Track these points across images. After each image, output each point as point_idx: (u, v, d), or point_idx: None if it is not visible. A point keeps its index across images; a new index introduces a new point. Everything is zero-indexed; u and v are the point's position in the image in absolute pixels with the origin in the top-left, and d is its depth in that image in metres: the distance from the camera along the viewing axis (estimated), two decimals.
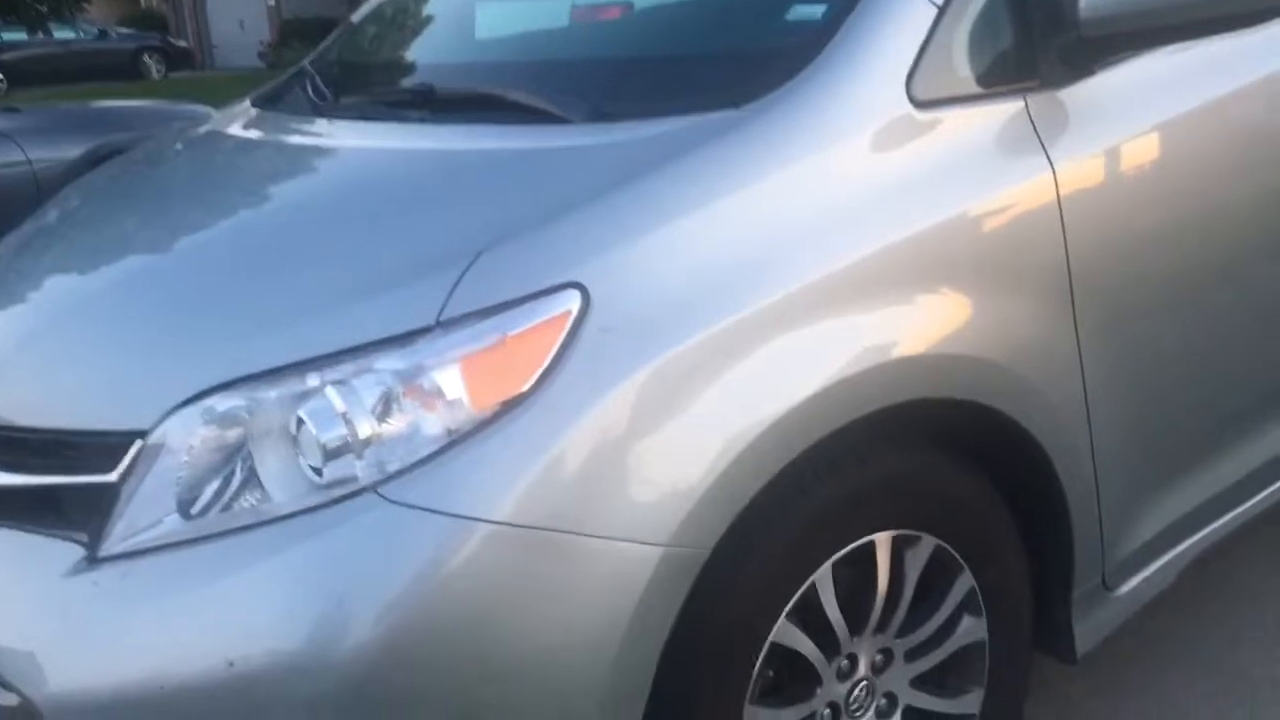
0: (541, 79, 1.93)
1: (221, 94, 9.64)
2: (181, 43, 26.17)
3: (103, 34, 23.77)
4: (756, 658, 1.49)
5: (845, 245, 1.50)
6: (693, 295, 1.41)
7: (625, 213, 1.44)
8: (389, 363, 1.36)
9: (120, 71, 22.44)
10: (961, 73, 1.63)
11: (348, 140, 1.95)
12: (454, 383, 1.34)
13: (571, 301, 1.37)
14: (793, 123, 1.53)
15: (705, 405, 1.39)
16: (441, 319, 1.36)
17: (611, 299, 1.38)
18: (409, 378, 1.35)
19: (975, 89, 1.64)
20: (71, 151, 5.55)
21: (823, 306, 1.47)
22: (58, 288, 1.83)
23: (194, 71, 25.00)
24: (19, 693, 1.36)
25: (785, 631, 1.51)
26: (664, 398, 1.37)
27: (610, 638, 1.34)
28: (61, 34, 22.42)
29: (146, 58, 23.71)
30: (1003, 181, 1.63)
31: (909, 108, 1.58)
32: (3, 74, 21.72)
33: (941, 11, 1.62)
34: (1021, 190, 1.65)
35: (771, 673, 1.54)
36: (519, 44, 2.32)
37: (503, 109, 1.84)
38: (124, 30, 24.96)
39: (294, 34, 23.69)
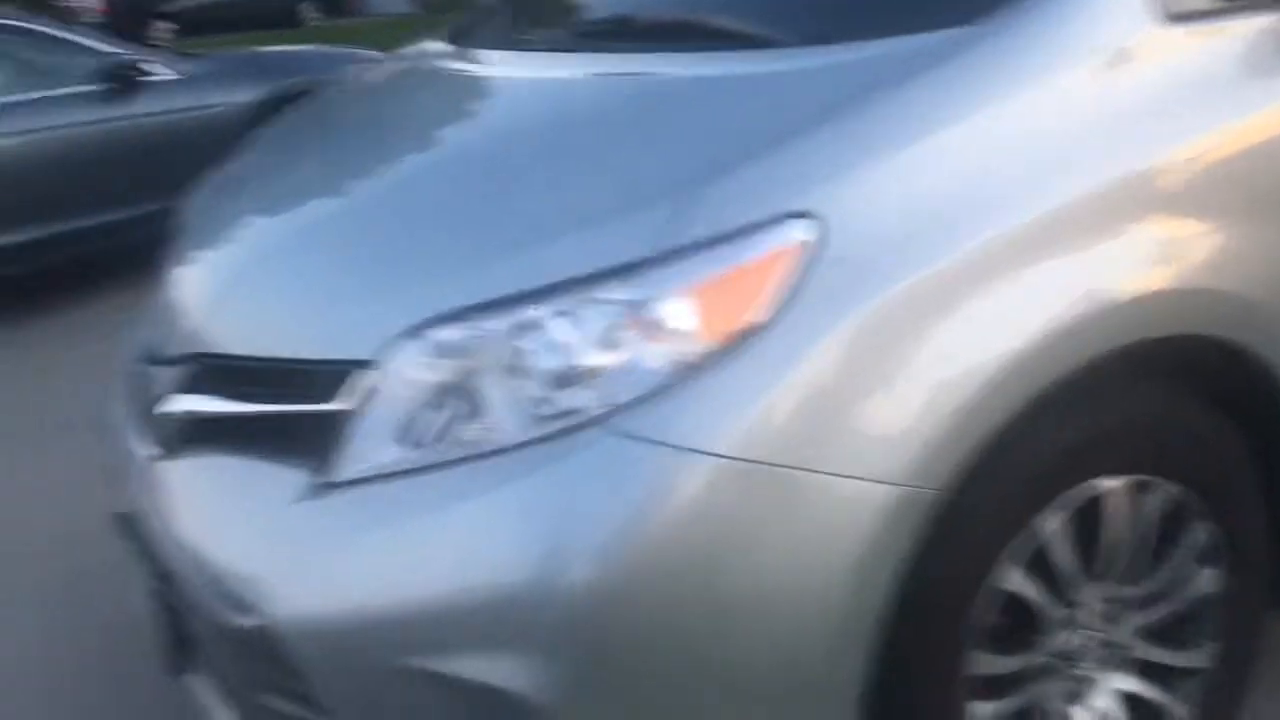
0: (748, 2, 1.87)
1: (379, 38, 9.81)
2: None
3: None
4: (984, 603, 1.43)
5: (1089, 173, 1.41)
6: (926, 225, 1.35)
7: (856, 138, 1.38)
8: (615, 293, 1.33)
9: (280, 19, 23.05)
10: None
11: (551, 71, 1.93)
12: (683, 313, 1.31)
13: (805, 229, 1.32)
14: (1035, 39, 1.44)
15: (941, 340, 1.33)
16: (668, 247, 1.33)
17: (845, 227, 1.32)
18: (636, 308, 1.32)
19: (1231, 1, 1.51)
20: (247, 96, 5.72)
21: (1063, 238, 1.39)
22: (274, 222, 1.86)
23: (349, 18, 25.52)
24: (259, 616, 1.40)
25: (1013, 576, 1.45)
26: (899, 331, 1.31)
27: (840, 578, 1.30)
28: None
29: (303, 5, 24.29)
30: (1260, 100, 1.51)
31: (1159, 22, 1.47)
32: (172, 24, 22.57)
33: None
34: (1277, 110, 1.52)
35: (996, 618, 1.48)
36: None
37: (708, 35, 1.79)
38: None
39: None
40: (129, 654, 2.39)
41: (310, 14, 24.30)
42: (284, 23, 23.05)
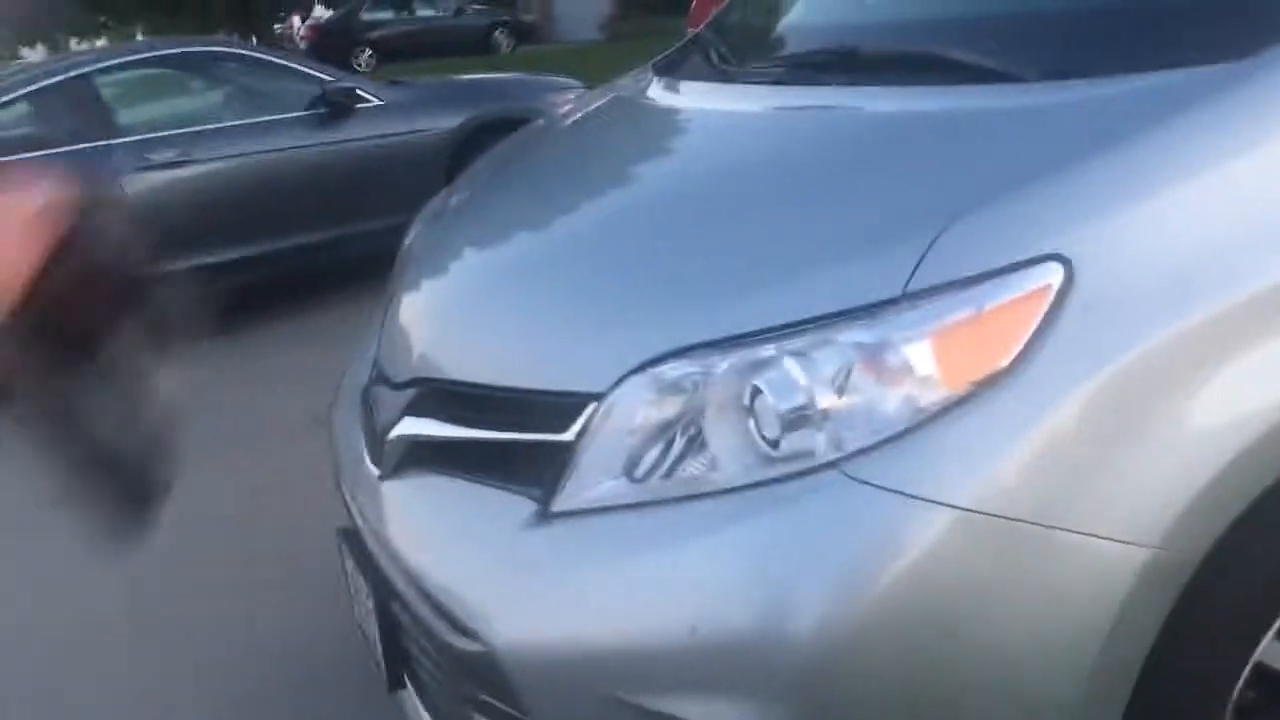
0: (979, 35, 1.81)
1: (569, 65, 10.07)
2: (528, 17, 27.52)
3: (459, 11, 25.39)
4: (1239, 676, 1.33)
5: None
6: (1185, 273, 1.27)
7: (1109, 179, 1.31)
8: (852, 335, 1.30)
9: (474, 47, 23.90)
10: None
11: (772, 104, 1.91)
12: (924, 358, 1.27)
13: (1053, 274, 1.26)
14: None
15: (1200, 397, 1.24)
16: (909, 290, 1.29)
17: (1096, 273, 1.26)
18: (874, 352, 1.29)
19: None
20: (451, 121, 5.93)
21: None
22: (497, 252, 1.91)
23: (539, 45, 26.26)
24: (481, 640, 1.42)
25: (1273, 651, 1.35)
26: (1154, 386, 1.24)
27: (1087, 645, 1.23)
28: (423, 12, 24.20)
29: (497, 33, 25.13)
30: None
31: None
32: (372, 51, 23.68)
33: None
34: None
35: (1252, 694, 1.38)
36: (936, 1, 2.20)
37: (938, 69, 1.74)
38: (478, 7, 26.52)
39: (634, 5, 24.38)
40: (343, 666, 2.47)
41: (504, 40, 25.09)
42: (478, 49, 23.90)
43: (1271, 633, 1.34)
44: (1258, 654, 1.34)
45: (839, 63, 1.94)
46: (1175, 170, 1.31)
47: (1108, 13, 1.70)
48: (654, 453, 1.39)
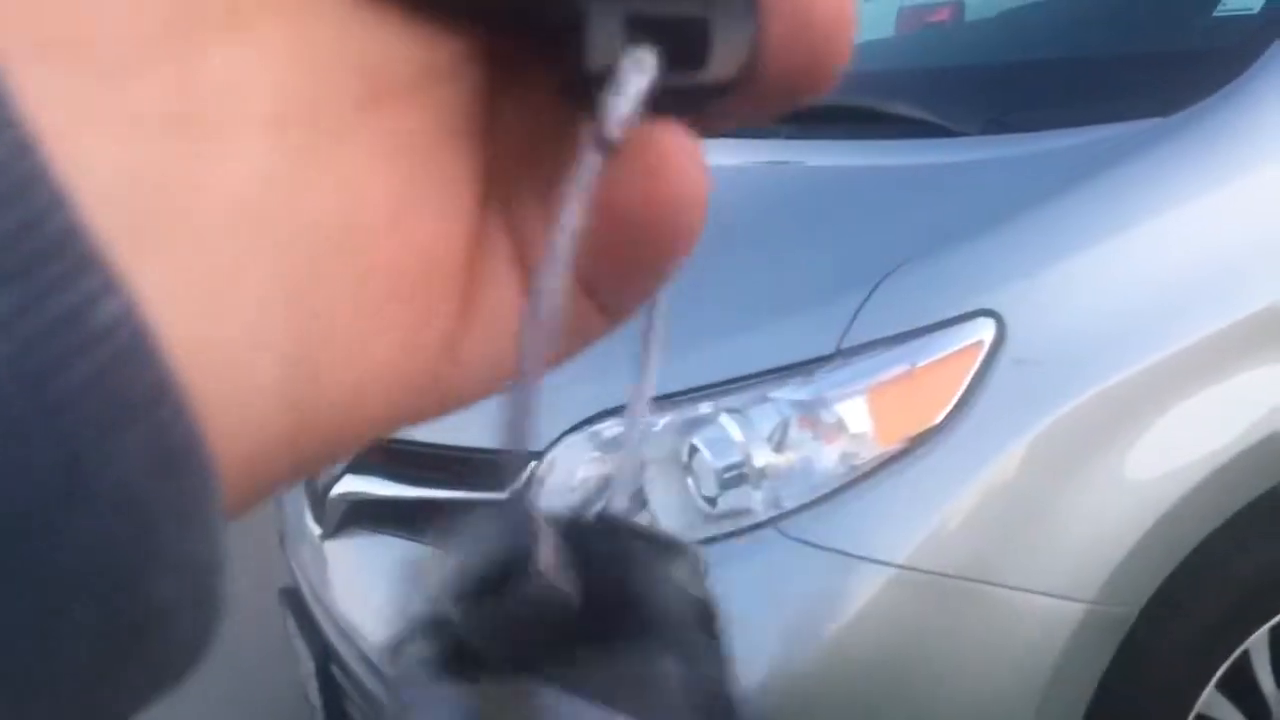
0: (919, 89, 1.83)
1: None
2: None
3: None
4: None
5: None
6: (1115, 329, 1.28)
7: (1042, 235, 1.32)
8: (788, 392, 1.30)
9: None
10: None
11: (721, 158, 1.92)
12: (858, 415, 1.27)
13: (984, 330, 1.26)
14: (1234, 133, 1.36)
15: (1132, 451, 1.25)
16: (843, 347, 1.29)
17: (1028, 329, 1.27)
18: (809, 409, 1.29)
19: None
20: None
21: (1267, 341, 1.30)
22: None
23: None
24: None
25: (1213, 701, 1.35)
26: (1086, 440, 1.24)
27: (1027, 696, 1.22)
28: None
29: None
30: None
31: None
32: None
33: None
34: None
35: None
36: (880, 51, 2.23)
37: (878, 121, 1.76)
38: None
39: None
40: None
41: None
42: None
43: (1211, 684, 1.34)
44: (1199, 705, 1.34)
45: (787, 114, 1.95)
46: (1107, 225, 1.32)
47: (1044, 68, 1.73)
48: (594, 512, 1.37)
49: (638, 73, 0.16)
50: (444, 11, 0.17)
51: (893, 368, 1.27)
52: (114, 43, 0.13)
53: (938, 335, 1.27)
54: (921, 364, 1.27)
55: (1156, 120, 1.39)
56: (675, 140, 0.18)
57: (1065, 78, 1.65)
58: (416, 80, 0.17)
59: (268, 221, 0.15)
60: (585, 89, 0.17)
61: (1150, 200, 1.34)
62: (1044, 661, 1.22)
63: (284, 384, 0.15)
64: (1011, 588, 1.22)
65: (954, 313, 1.28)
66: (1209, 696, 1.34)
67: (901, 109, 1.70)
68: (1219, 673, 1.34)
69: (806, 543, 1.24)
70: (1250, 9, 1.50)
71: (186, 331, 0.13)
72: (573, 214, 0.17)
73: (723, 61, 0.17)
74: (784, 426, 1.29)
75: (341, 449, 0.17)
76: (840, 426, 1.27)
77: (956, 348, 1.26)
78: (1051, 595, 1.22)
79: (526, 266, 0.19)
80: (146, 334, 0.12)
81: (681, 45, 0.17)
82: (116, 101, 0.13)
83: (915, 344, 1.27)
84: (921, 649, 1.23)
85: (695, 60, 0.17)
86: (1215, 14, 1.58)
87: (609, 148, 0.17)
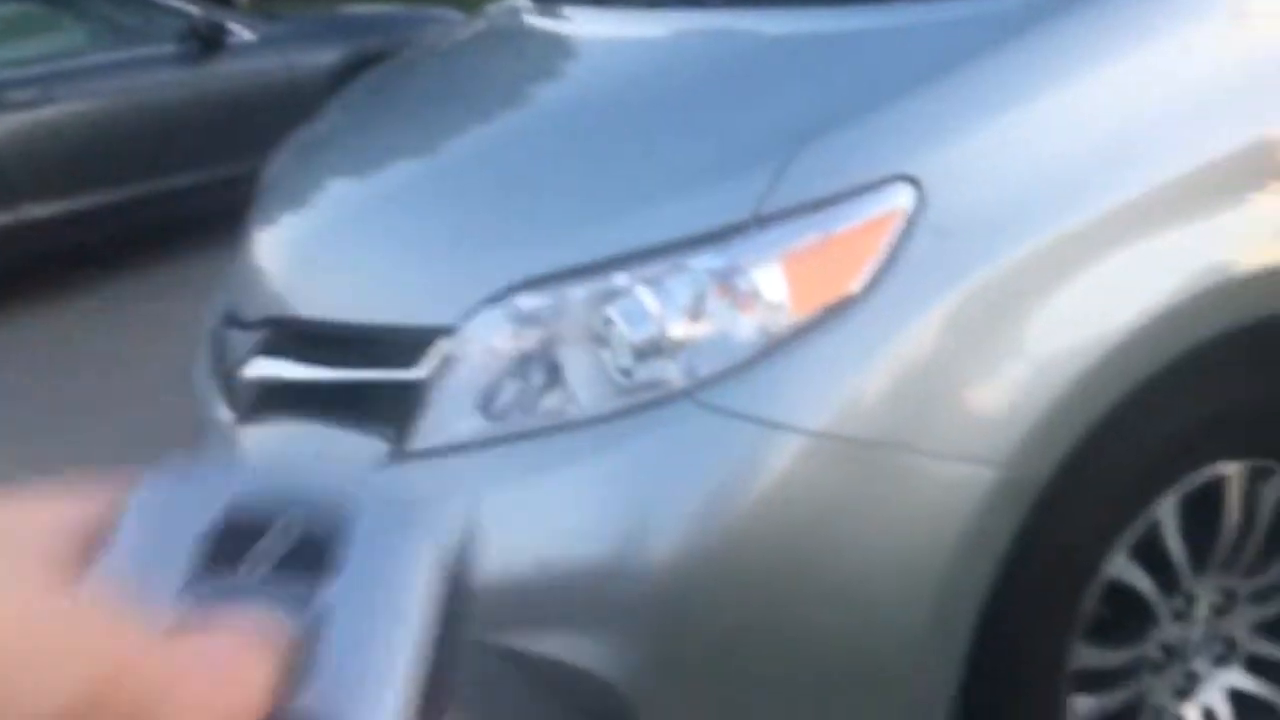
0: None
1: None
2: None
3: None
4: (1089, 592, 1.35)
5: (1211, 138, 1.32)
6: (1032, 195, 1.26)
7: (960, 99, 1.30)
8: (704, 261, 1.27)
9: None
10: None
11: (638, 29, 1.86)
12: (774, 283, 1.25)
13: (903, 197, 1.24)
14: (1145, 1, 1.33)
15: (1046, 319, 1.25)
16: (760, 214, 1.26)
17: (947, 195, 1.25)
18: (725, 277, 1.26)
19: None
20: (330, 57, 5.72)
21: (1180, 209, 1.29)
22: (357, 186, 1.83)
23: None
24: None
25: (1122, 566, 1.37)
26: (1002, 308, 1.23)
27: (938, 562, 1.23)
28: None
29: None
30: None
31: None
32: None
33: None
34: None
35: (1104, 610, 1.40)
36: None
37: None
38: None
39: None
40: None
41: None
42: None
43: (1121, 548, 1.36)
44: (1108, 569, 1.36)
45: None
46: (1022, 90, 1.30)
47: None
48: (510, 386, 1.35)
49: None
50: None
51: (809, 235, 1.25)
52: None
53: (856, 201, 1.25)
54: (839, 231, 1.24)
55: None
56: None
57: None
58: None
59: None
60: None
61: (1071, 64, 1.31)
62: (954, 527, 1.22)
63: None
64: (925, 454, 1.22)
65: (874, 178, 1.25)
66: (1118, 561, 1.37)
67: None
68: (1129, 540, 1.36)
69: (723, 411, 1.22)
70: None
71: None
72: None
73: None
74: (700, 296, 1.26)
75: None
76: (756, 295, 1.25)
77: (874, 214, 1.24)
78: (965, 460, 1.22)
79: None
80: None
81: None
82: None
83: (832, 211, 1.25)
84: (835, 515, 1.22)
85: None
86: None
87: None
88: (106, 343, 4.28)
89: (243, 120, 5.34)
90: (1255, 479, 1.44)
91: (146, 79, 5.24)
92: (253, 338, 1.67)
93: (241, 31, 5.63)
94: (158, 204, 5.29)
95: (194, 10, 5.56)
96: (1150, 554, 1.39)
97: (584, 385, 1.31)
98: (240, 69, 5.49)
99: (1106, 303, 1.25)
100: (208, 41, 5.40)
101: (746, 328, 1.25)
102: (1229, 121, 1.33)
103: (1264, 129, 1.34)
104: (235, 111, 5.38)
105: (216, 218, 5.32)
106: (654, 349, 1.26)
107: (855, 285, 1.23)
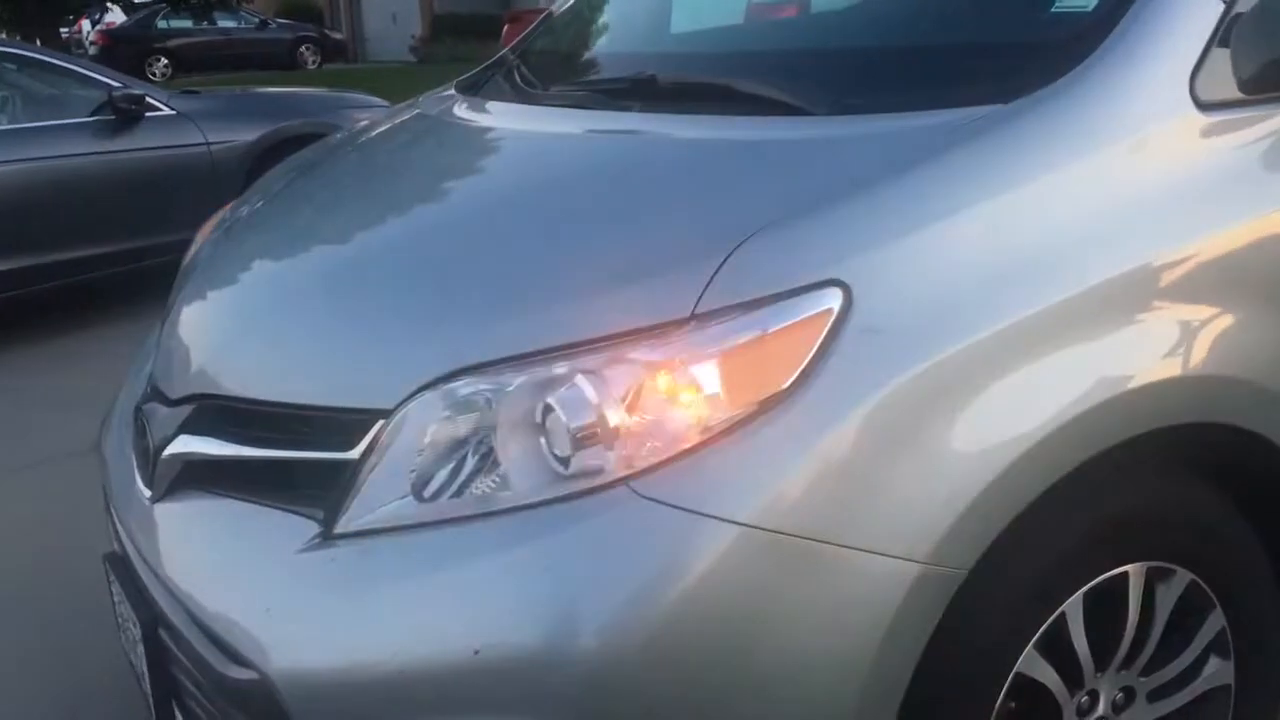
0: (772, 70, 1.87)
1: (377, 85, 9.89)
2: (336, 35, 26.92)
3: (262, 24, 24.61)
4: (1001, 686, 1.40)
5: (1110, 258, 1.41)
6: (957, 300, 1.33)
7: (890, 209, 1.37)
8: (642, 354, 1.31)
9: (278, 61, 23.20)
10: (1248, 73, 1.51)
11: (574, 127, 1.92)
12: (710, 378, 1.29)
13: (833, 299, 1.30)
14: (1067, 122, 1.44)
15: (967, 419, 1.31)
16: (698, 312, 1.31)
17: (874, 299, 1.31)
18: (662, 370, 1.30)
19: (1263, 91, 1.52)
20: (248, 135, 5.72)
21: (1081, 323, 1.38)
22: (286, 267, 1.84)
23: (347, 63, 25.72)
24: (255, 668, 1.35)
25: (1032, 661, 1.42)
26: (926, 407, 1.29)
27: (863, 655, 1.27)
28: (224, 23, 23.34)
29: (303, 49, 24.47)
30: None
31: (1191, 110, 1.47)
32: (168, 60, 22.69)
33: (1229, 7, 1.51)
34: None
35: (1012, 704, 1.45)
36: (734, 35, 2.27)
37: (732, 100, 1.79)
38: (282, 21, 25.77)
39: (446, 29, 24.19)
40: (111, 705, 2.32)
41: (310, 57, 24.45)
42: (283, 64, 23.22)
43: (1031, 644, 1.41)
44: (1019, 664, 1.41)
45: (641, 90, 1.96)
46: (946, 203, 1.38)
47: (893, 54, 1.79)
48: (444, 471, 1.36)
49: None
50: None
51: (745, 333, 1.30)
52: None
53: (789, 302, 1.30)
54: (772, 329, 1.30)
55: (997, 106, 1.46)
56: None
57: (913, 63, 1.71)
58: None
59: None
60: None
61: (988, 182, 1.40)
62: (878, 620, 1.26)
63: None
64: (850, 548, 1.26)
65: (806, 280, 1.31)
66: (1029, 656, 1.42)
67: (754, 88, 1.74)
68: (1038, 634, 1.42)
69: (656, 501, 1.25)
70: (1085, 6, 1.58)
71: None
72: None
73: None
74: (638, 388, 1.30)
75: None
76: (693, 388, 1.29)
77: (806, 315, 1.30)
78: (888, 555, 1.26)
79: None
80: None
81: None
82: None
83: (767, 310, 1.30)
84: (764, 606, 1.25)
85: None
86: (1052, 9, 1.67)
87: None
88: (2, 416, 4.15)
89: (158, 193, 5.29)
90: (1154, 580, 1.51)
91: (62, 149, 5.17)
92: (178, 414, 1.65)
93: (160, 105, 5.60)
94: (61, 274, 5.19)
95: (113, 82, 5.53)
96: (1059, 650, 1.45)
97: (519, 472, 1.33)
98: (157, 142, 5.44)
99: (1014, 412, 1.32)
100: (126, 114, 5.37)
101: (684, 421, 1.29)
102: (1123, 243, 1.42)
103: (1156, 251, 1.44)
104: (150, 184, 5.33)
105: (121, 290, 5.24)
106: (592, 438, 1.29)
107: (787, 382, 1.28)
